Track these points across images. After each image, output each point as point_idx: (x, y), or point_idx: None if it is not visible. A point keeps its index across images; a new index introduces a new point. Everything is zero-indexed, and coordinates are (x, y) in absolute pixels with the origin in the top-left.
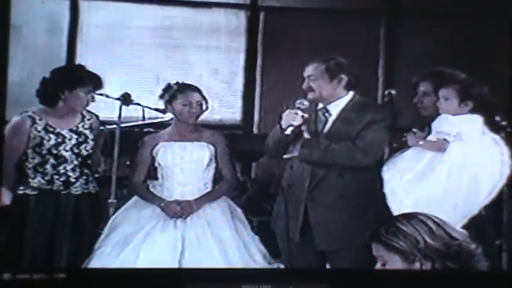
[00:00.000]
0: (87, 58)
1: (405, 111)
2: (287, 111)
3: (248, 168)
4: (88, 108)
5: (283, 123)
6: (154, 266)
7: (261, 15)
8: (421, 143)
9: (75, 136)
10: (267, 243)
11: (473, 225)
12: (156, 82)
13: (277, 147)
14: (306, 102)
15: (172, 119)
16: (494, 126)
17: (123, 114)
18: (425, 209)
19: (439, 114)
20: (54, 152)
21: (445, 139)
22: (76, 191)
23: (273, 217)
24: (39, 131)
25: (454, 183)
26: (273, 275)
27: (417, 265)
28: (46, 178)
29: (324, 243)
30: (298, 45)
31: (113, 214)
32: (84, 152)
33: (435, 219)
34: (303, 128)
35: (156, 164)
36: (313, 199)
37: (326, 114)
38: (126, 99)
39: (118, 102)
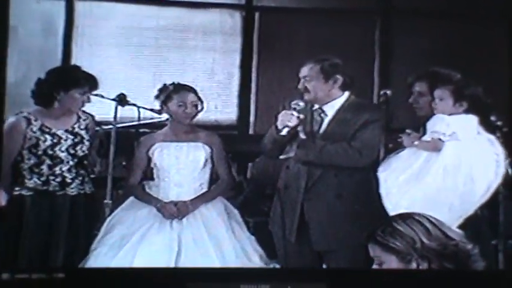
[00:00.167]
0: (82, 59)
1: (401, 112)
2: (283, 112)
3: (244, 168)
4: (84, 108)
5: (279, 124)
6: (150, 267)
7: (256, 16)
8: (416, 143)
9: (70, 137)
10: (263, 243)
11: (469, 225)
12: (152, 83)
13: (273, 148)
14: (301, 103)
15: (168, 119)
16: (489, 127)
17: (118, 115)
18: (420, 209)
19: (434, 114)
20: (50, 152)
21: (439, 139)
22: (72, 192)
23: (271, 218)
24: (34, 132)
25: (449, 183)
26: (271, 274)
27: (414, 265)
28: (42, 179)
29: (321, 243)
30: (293, 46)
31: (109, 215)
32: (80, 153)
33: (431, 219)
34: (299, 128)
35: (152, 165)
36: (310, 199)
37: (322, 115)
38: (121, 99)
39: (114, 103)
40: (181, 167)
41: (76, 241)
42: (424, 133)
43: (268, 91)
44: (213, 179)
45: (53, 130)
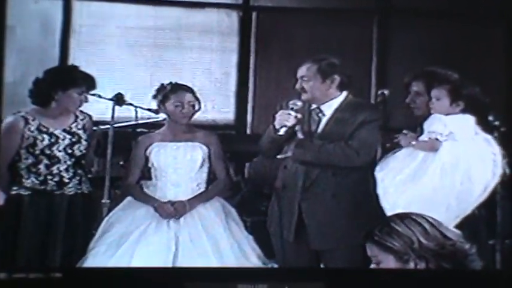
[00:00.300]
0: (80, 58)
1: (398, 111)
2: (280, 112)
3: (241, 168)
4: (81, 108)
5: (277, 124)
6: (148, 266)
7: (254, 15)
8: (413, 143)
9: (68, 136)
10: (261, 243)
11: (467, 225)
12: (149, 82)
13: (271, 148)
14: (299, 103)
15: (165, 119)
16: (487, 126)
17: (116, 115)
18: (418, 208)
19: (431, 114)
20: (48, 152)
21: (437, 139)
22: (69, 191)
23: (268, 218)
24: (32, 131)
25: (446, 183)
26: (269, 274)
27: (411, 265)
28: (39, 178)
29: (318, 242)
30: (290, 45)
31: (106, 214)
32: (78, 152)
33: (429, 219)
34: (297, 128)
35: (150, 165)
36: (307, 199)
37: (319, 115)
38: (119, 99)
39: (111, 103)
40: (178, 166)
41: (74, 241)
42: (421, 133)
43: (265, 91)
44: (211, 178)
45: (51, 130)
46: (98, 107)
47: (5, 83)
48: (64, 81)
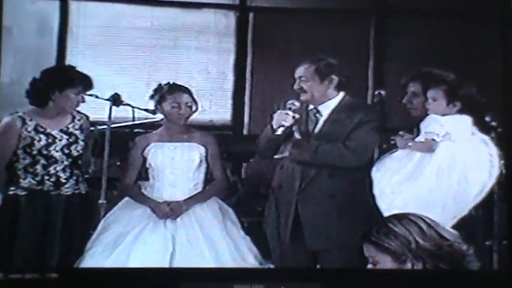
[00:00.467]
0: (77, 59)
1: (395, 112)
2: (278, 112)
3: (238, 168)
4: (78, 108)
5: (274, 124)
6: (145, 267)
7: (251, 16)
8: (410, 144)
9: (65, 137)
10: (257, 243)
11: (463, 225)
12: (146, 83)
13: (268, 148)
14: (296, 103)
15: (162, 119)
16: (484, 127)
17: (113, 115)
18: (414, 209)
19: (428, 115)
20: (45, 152)
21: (433, 139)
22: (66, 192)
23: (265, 218)
24: (29, 132)
25: (443, 183)
26: (265, 274)
27: (408, 265)
28: (36, 179)
29: (315, 243)
30: (287, 46)
31: (104, 215)
32: (75, 153)
33: (426, 220)
34: (294, 128)
35: (147, 165)
36: (304, 199)
37: (317, 115)
38: (116, 99)
39: (108, 103)
40: (176, 167)
41: (71, 241)
42: (418, 134)
43: (262, 91)
44: (208, 179)
45: (48, 130)
46: (95, 108)
47: (2, 83)
48: (61, 82)
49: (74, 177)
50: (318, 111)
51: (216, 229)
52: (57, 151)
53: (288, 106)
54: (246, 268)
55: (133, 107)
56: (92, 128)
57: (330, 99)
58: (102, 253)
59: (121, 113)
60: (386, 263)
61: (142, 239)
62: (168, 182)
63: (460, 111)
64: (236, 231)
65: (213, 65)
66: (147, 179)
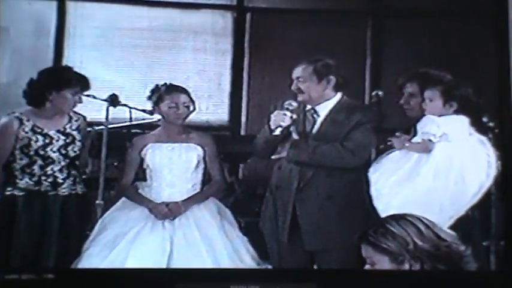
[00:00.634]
0: (74, 59)
1: (392, 113)
2: (276, 112)
3: (236, 169)
4: (75, 109)
5: (272, 124)
6: (142, 267)
7: (248, 16)
8: (406, 145)
9: (62, 137)
10: (255, 244)
11: (460, 226)
12: (143, 83)
13: (265, 148)
14: (294, 103)
15: (160, 120)
16: (481, 127)
17: (110, 116)
18: (411, 210)
19: (425, 115)
20: (42, 153)
21: (430, 140)
22: (63, 192)
23: (261, 218)
24: (26, 132)
25: (440, 184)
26: (261, 275)
27: (406, 266)
28: (34, 179)
29: (313, 243)
30: (285, 46)
31: (101, 215)
32: (72, 153)
33: (424, 221)
34: (292, 129)
35: (145, 166)
36: (302, 199)
37: (314, 115)
38: (113, 100)
39: (105, 104)
40: (173, 167)
41: (68, 241)
42: (415, 134)
43: (259, 92)
44: (206, 179)
45: (45, 130)
46: (92, 108)
47: None
48: (58, 82)
49: (71, 178)
50: (316, 112)
51: (213, 230)
52: (54, 151)
53: (285, 106)
54: (243, 269)
55: (130, 108)
56: (90, 129)
57: (327, 99)
58: (100, 253)
59: (118, 113)
60: (384, 263)
61: (140, 240)
62: (165, 182)
63: (457, 112)
64: (234, 232)
65: (210, 65)
66: (144, 179)
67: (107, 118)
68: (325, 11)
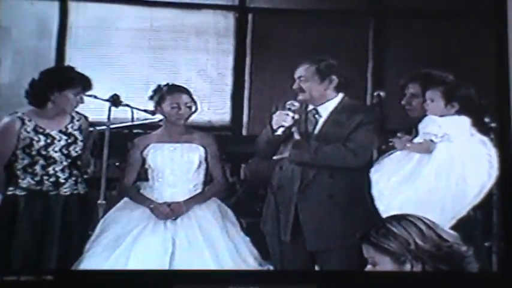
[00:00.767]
0: (76, 59)
1: (394, 113)
2: (278, 112)
3: (237, 169)
4: (78, 109)
5: (274, 124)
6: (144, 267)
7: (250, 17)
8: (408, 145)
9: (64, 137)
10: (256, 244)
11: (462, 226)
12: (145, 83)
13: (267, 148)
14: (296, 103)
15: (162, 120)
16: (483, 128)
17: (112, 116)
18: (413, 210)
19: (426, 116)
20: (44, 153)
21: (431, 140)
22: (65, 192)
23: (263, 218)
24: (28, 132)
25: (441, 184)
26: (261, 276)
27: (408, 266)
28: (36, 179)
29: (315, 243)
30: (286, 47)
31: (103, 215)
32: (74, 153)
33: (426, 221)
34: (293, 129)
35: (147, 166)
36: (304, 200)
37: (316, 116)
38: (115, 100)
39: (107, 104)
40: (175, 167)
41: (70, 241)
42: (417, 134)
43: (261, 92)
44: (207, 180)
45: (47, 130)
46: (94, 108)
47: (1, 84)
48: (60, 82)
49: (73, 178)
50: (318, 112)
51: (215, 230)
52: (56, 151)
53: (287, 106)
54: (241, 270)
55: (132, 108)
56: (91, 129)
57: (329, 100)
58: (102, 254)
59: (120, 113)
60: (385, 263)
61: (142, 240)
62: (167, 182)
63: (459, 112)
64: (236, 232)
65: (212, 65)
66: (146, 179)
67: (108, 118)
68: (327, 12)
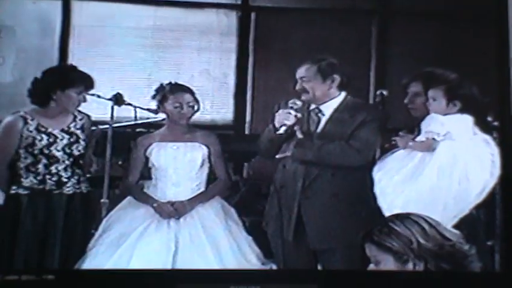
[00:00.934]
0: (79, 58)
1: (396, 112)
2: (280, 111)
3: (240, 168)
4: (80, 108)
5: (277, 123)
6: (147, 266)
7: (253, 16)
8: (410, 144)
9: (66, 136)
10: (259, 243)
11: (465, 225)
12: (148, 82)
13: (270, 147)
14: (298, 102)
15: (164, 119)
16: (485, 127)
17: (115, 115)
18: (415, 208)
19: (429, 114)
20: (46, 152)
21: (434, 138)
22: (68, 191)
23: (265, 217)
24: (31, 131)
25: (444, 183)
26: (262, 276)
27: (410, 265)
28: (38, 178)
29: (317, 242)
30: (289, 45)
31: (106, 214)
32: (76, 152)
33: (428, 220)
34: (296, 128)
35: (150, 165)
36: (307, 198)
37: (319, 115)
38: (118, 99)
39: (110, 103)
40: (178, 166)
41: (73, 240)
42: (419, 133)
43: (264, 91)
44: (211, 178)
45: (49, 129)
46: (97, 107)
47: (5, 83)
48: (62, 81)
49: (76, 177)
50: (320, 111)
51: (218, 229)
52: (58, 150)
53: (290, 105)
54: (243, 270)
55: (135, 107)
56: (94, 128)
57: (331, 98)
58: (105, 253)
59: (123, 112)
60: (388, 262)
61: (145, 239)
62: (170, 181)
63: (461, 111)
64: (239, 231)
65: (214, 64)
66: (149, 178)
67: (111, 117)
68: (331, 10)
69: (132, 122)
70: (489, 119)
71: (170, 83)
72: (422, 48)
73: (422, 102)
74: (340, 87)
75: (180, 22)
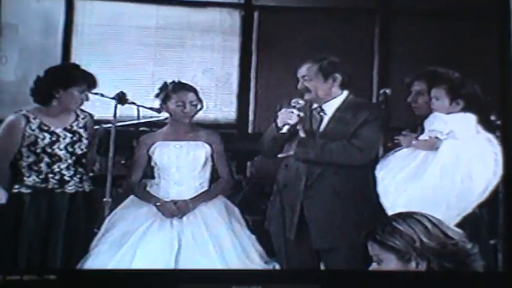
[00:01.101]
0: (82, 57)
1: (399, 111)
2: (283, 110)
3: (243, 167)
4: (83, 107)
5: (279, 122)
6: (150, 265)
7: (255, 15)
8: (413, 142)
9: (69, 135)
10: (262, 242)
11: (467, 224)
12: (151, 81)
13: (272, 146)
14: (301, 101)
15: (167, 118)
16: (488, 125)
17: (118, 114)
18: (418, 207)
19: (432, 113)
20: (49, 150)
21: (437, 137)
22: (70, 190)
23: (267, 216)
24: (33, 130)
25: (447, 181)
26: (264, 275)
27: (413, 264)
28: (41, 177)
29: (320, 241)
30: (292, 44)
31: (108, 213)
32: (79, 151)
33: (431, 219)
34: (299, 127)
35: (153, 164)
36: (309, 197)
37: (321, 114)
38: (121, 98)
39: (113, 102)
40: (181, 165)
41: (75, 239)
42: (422, 132)
43: (267, 90)
44: (214, 177)
45: (52, 128)
46: (100, 106)
47: (8, 82)
48: (65, 80)
49: (78, 175)
50: (323, 110)
51: (221, 228)
52: (61, 149)
53: (292, 104)
54: (244, 269)
55: (138, 106)
56: (97, 127)
57: (334, 97)
58: (108, 251)
59: (126, 111)
60: (390, 261)
61: (148, 238)
62: (173, 180)
63: (464, 110)
64: (242, 230)
65: (218, 63)
66: (152, 177)
67: (114, 116)
68: (333, 9)
69: (135, 121)
70: (492, 117)
71: (173, 81)
72: (425, 47)
73: (425, 101)
74: (342, 86)
75: (183, 21)
